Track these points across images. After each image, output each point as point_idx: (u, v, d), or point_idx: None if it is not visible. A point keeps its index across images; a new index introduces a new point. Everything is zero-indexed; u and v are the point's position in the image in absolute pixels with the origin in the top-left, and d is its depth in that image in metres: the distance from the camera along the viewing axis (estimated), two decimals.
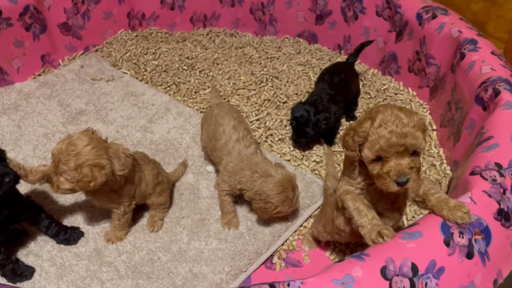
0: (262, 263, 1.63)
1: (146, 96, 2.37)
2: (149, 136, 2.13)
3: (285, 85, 2.45)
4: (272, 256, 1.65)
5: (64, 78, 2.51)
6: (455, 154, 1.83)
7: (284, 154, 2.03)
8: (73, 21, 2.65)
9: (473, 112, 1.75)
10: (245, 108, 2.28)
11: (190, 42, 2.83)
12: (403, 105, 2.26)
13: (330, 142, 2.08)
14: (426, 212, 1.24)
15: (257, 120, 2.20)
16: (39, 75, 2.56)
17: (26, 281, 1.53)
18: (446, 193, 1.74)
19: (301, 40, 2.85)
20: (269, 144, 2.08)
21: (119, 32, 2.85)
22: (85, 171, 1.36)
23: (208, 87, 2.44)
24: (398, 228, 1.27)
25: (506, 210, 1.22)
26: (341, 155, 2.02)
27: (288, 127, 2.18)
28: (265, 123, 2.20)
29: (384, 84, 2.43)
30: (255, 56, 2.70)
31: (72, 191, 1.45)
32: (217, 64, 2.63)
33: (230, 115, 1.74)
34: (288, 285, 1.00)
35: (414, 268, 1.05)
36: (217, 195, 1.83)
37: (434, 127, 2.13)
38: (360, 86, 2.34)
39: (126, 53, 2.68)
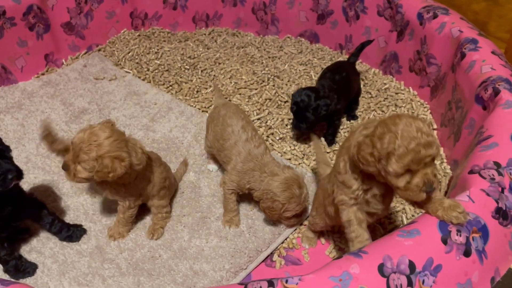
0: (262, 261, 1.64)
1: (149, 95, 2.39)
2: (151, 135, 2.14)
3: (286, 85, 2.46)
4: (272, 254, 1.66)
5: (67, 77, 2.53)
6: (455, 153, 1.83)
7: (285, 153, 2.04)
8: (76, 20, 2.67)
9: (473, 111, 1.75)
10: (247, 107, 2.29)
11: (192, 41, 2.85)
12: (403, 105, 2.27)
13: (330, 141, 2.09)
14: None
15: (258, 119, 2.21)
16: (43, 74, 2.58)
17: (29, 277, 1.55)
18: (446, 192, 1.75)
19: (303, 39, 2.86)
20: (270, 143, 2.09)
21: (122, 31, 2.87)
22: (106, 162, 1.38)
23: (210, 86, 2.45)
24: (396, 227, 1.28)
25: (504, 208, 1.23)
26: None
27: (289, 126, 2.19)
28: (266, 122, 2.21)
29: (385, 84, 2.43)
30: (256, 56, 2.71)
31: (88, 180, 1.45)
32: (219, 63, 2.65)
33: (237, 116, 1.75)
34: (287, 281, 1.02)
35: (412, 265, 1.06)
36: (218, 193, 1.85)
37: (435, 126, 2.14)
38: (361, 86, 2.34)
39: (128, 53, 2.70)
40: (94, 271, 1.56)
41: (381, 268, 1.04)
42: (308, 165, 1.99)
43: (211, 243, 1.66)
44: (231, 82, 2.48)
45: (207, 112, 2.29)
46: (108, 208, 1.78)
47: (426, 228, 1.14)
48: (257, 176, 1.63)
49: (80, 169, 1.42)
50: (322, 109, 1.93)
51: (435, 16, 2.18)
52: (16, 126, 2.18)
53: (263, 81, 2.49)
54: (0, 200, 1.43)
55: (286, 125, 2.20)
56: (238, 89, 2.44)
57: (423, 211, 1.21)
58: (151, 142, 2.10)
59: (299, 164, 2.00)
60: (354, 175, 1.21)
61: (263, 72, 2.55)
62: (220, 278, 1.55)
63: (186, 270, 1.57)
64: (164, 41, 2.85)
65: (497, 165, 1.33)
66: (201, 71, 2.58)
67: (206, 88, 2.45)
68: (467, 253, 1.12)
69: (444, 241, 1.11)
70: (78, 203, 1.81)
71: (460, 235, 1.13)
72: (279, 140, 2.12)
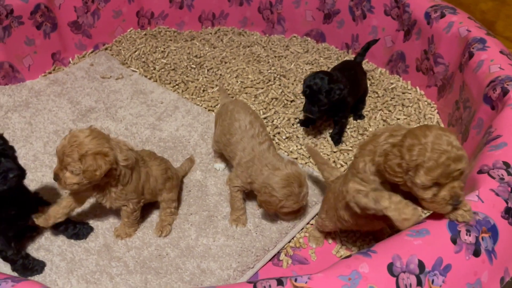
0: (269, 260, 1.64)
1: (155, 94, 2.40)
2: (157, 134, 2.15)
3: (292, 84, 2.45)
4: (279, 253, 1.66)
5: (74, 76, 2.54)
6: None
7: (291, 152, 2.04)
8: (83, 19, 2.68)
9: (481, 111, 1.75)
10: (253, 106, 2.29)
11: (199, 40, 2.85)
12: (410, 104, 2.27)
13: (337, 140, 2.09)
14: None
15: (265, 118, 2.21)
16: (50, 73, 2.59)
17: (37, 275, 1.55)
18: None
19: (309, 39, 2.85)
20: (276, 143, 2.09)
21: (128, 30, 2.88)
22: (89, 160, 1.38)
23: (216, 85, 2.46)
24: None
25: None
26: (348, 154, 2.02)
27: (295, 126, 2.19)
28: (273, 121, 2.21)
29: (391, 83, 2.42)
30: (263, 55, 2.71)
31: (79, 185, 1.45)
32: (225, 62, 2.65)
33: (246, 111, 1.75)
34: (296, 280, 1.02)
35: (421, 265, 1.06)
36: (225, 192, 1.85)
37: (442, 126, 2.13)
38: (368, 85, 2.34)
39: (135, 52, 2.71)
40: (101, 269, 1.57)
41: (390, 268, 1.04)
42: (314, 165, 1.99)
43: (218, 242, 1.66)
44: (237, 81, 2.48)
45: (213, 111, 2.29)
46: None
47: (435, 227, 1.14)
48: (257, 169, 1.61)
49: (68, 175, 1.42)
50: (335, 92, 1.91)
51: (442, 16, 2.17)
52: (24, 124, 2.19)
53: (269, 80, 2.49)
54: (4, 200, 1.43)
55: (293, 124, 2.20)
56: (244, 88, 2.44)
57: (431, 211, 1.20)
58: (157, 141, 2.11)
59: (306, 163, 2.00)
60: (375, 178, 1.20)
61: (269, 71, 2.55)
62: (227, 276, 1.55)
63: (193, 268, 1.57)
64: (170, 40, 2.85)
65: (506, 165, 1.32)
66: (207, 70, 2.58)
67: (212, 87, 2.45)
68: (476, 253, 1.11)
69: (454, 241, 1.11)
70: (86, 202, 1.81)
71: (470, 235, 1.12)
72: (286, 140, 2.12)
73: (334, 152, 2.04)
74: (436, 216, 1.18)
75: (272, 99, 2.35)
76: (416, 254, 1.07)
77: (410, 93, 2.34)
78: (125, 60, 2.66)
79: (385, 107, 2.28)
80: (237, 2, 2.93)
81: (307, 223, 1.76)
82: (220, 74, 2.55)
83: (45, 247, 1.65)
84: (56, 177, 1.45)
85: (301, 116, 2.24)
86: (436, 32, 2.18)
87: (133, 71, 2.58)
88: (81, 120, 2.22)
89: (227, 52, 2.73)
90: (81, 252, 1.63)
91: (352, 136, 2.14)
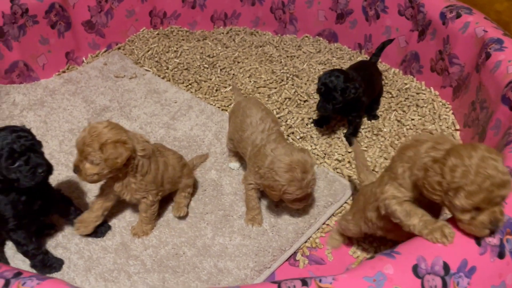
0: (286, 260, 1.64)
1: (169, 94, 2.40)
2: (172, 133, 2.15)
3: (305, 84, 2.45)
4: (295, 253, 1.66)
5: (88, 75, 2.55)
6: None
7: None
8: (97, 19, 2.69)
9: (499, 112, 1.73)
10: (266, 106, 2.28)
11: (211, 40, 2.85)
12: (425, 105, 2.25)
13: (351, 140, 2.08)
14: None
15: (279, 118, 2.21)
16: (63, 72, 2.61)
17: (55, 272, 1.56)
18: None
19: (321, 39, 2.85)
20: (290, 142, 2.09)
21: (141, 30, 2.89)
22: (109, 148, 1.41)
23: (229, 85, 2.46)
24: None
25: None
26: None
27: (309, 126, 2.19)
28: (286, 121, 2.21)
29: (405, 84, 2.41)
30: (275, 55, 2.71)
31: (99, 175, 1.47)
32: (238, 62, 2.65)
33: (257, 107, 1.76)
34: (320, 280, 1.02)
35: (446, 267, 1.06)
36: (240, 192, 1.85)
37: (458, 127, 2.12)
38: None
39: (148, 51, 2.72)
40: (119, 267, 1.58)
41: (415, 269, 1.04)
42: (330, 165, 1.99)
43: (235, 241, 1.66)
44: (250, 81, 2.48)
45: (226, 110, 2.30)
46: (132, 205, 1.79)
47: (459, 229, 1.13)
48: (262, 155, 1.60)
49: (87, 166, 1.45)
50: (351, 91, 1.91)
51: (458, 16, 2.16)
52: (39, 123, 2.20)
53: (282, 80, 2.48)
54: (30, 194, 1.45)
55: (307, 124, 2.20)
56: (257, 88, 2.44)
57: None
58: (172, 140, 2.11)
59: (321, 163, 1.99)
60: (413, 187, 1.17)
61: (282, 71, 2.55)
62: (244, 276, 1.55)
63: (210, 267, 1.58)
64: (183, 39, 2.85)
65: None
66: (220, 70, 2.58)
67: (225, 87, 2.46)
68: (501, 255, 1.11)
69: (478, 243, 1.10)
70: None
71: (494, 237, 1.11)
72: (300, 140, 2.11)
73: (349, 152, 2.04)
74: None
75: (286, 99, 2.35)
76: (441, 256, 1.07)
77: (425, 94, 2.33)
78: (138, 60, 2.67)
79: (399, 107, 2.27)
80: (249, 2, 2.93)
81: (323, 223, 1.76)
82: (233, 74, 2.55)
83: (62, 245, 1.65)
84: (77, 168, 1.47)
85: (315, 116, 2.24)
86: (452, 33, 2.17)
87: (146, 70, 2.59)
88: (95, 119, 2.23)
89: (239, 52, 2.73)
90: (99, 250, 1.63)
91: (366, 137, 2.13)
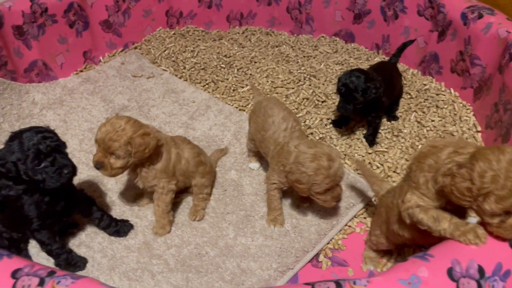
0: (309, 261, 1.63)
1: (186, 93, 2.40)
2: (191, 133, 2.15)
3: (323, 84, 2.44)
4: (318, 254, 1.65)
5: (106, 74, 2.56)
6: None
7: None
8: (114, 18, 2.70)
9: None
10: None
11: (227, 40, 2.85)
12: (445, 106, 2.24)
13: (371, 142, 2.07)
14: None
15: None
16: (81, 71, 2.62)
17: (80, 271, 1.57)
18: None
19: (338, 39, 2.84)
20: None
21: (158, 30, 2.89)
22: (138, 141, 1.46)
23: (246, 85, 2.45)
24: None
25: None
26: (383, 155, 2.00)
27: (328, 126, 2.18)
28: (305, 121, 2.20)
29: (424, 85, 2.40)
30: (291, 55, 2.70)
31: (123, 168, 1.51)
32: (255, 62, 2.64)
33: (279, 106, 1.75)
34: (355, 283, 1.01)
35: (481, 270, 1.04)
36: (260, 192, 1.85)
37: (479, 128, 2.10)
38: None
39: (164, 51, 2.72)
40: (143, 266, 1.58)
41: (450, 272, 1.03)
42: (350, 166, 1.98)
43: (257, 242, 1.66)
44: (267, 81, 2.48)
45: (244, 110, 2.29)
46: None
47: (490, 232, 1.12)
48: (287, 152, 1.59)
49: (113, 161, 1.47)
50: (372, 91, 1.89)
51: (480, 16, 2.14)
52: (59, 122, 2.22)
53: (300, 80, 2.48)
54: (54, 195, 1.46)
55: (326, 125, 2.19)
56: (275, 88, 2.43)
57: None
58: (191, 140, 2.09)
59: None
60: (437, 196, 1.16)
61: (299, 71, 2.54)
62: (268, 277, 1.55)
63: (234, 268, 1.57)
64: (199, 39, 2.86)
65: None
66: (237, 69, 2.58)
67: (243, 87, 2.45)
68: None
69: None
70: (124, 199, 1.83)
71: None
72: (319, 140, 2.11)
73: (369, 153, 2.03)
74: None
75: (303, 99, 2.34)
76: (475, 259, 1.06)
77: (444, 95, 2.31)
78: (155, 59, 2.67)
79: (419, 108, 2.25)
80: (266, 2, 2.92)
81: (345, 225, 1.75)
82: (250, 74, 2.54)
83: (86, 243, 1.66)
84: (100, 164, 1.48)
85: (333, 117, 2.23)
86: (473, 33, 2.15)
87: (163, 70, 2.59)
88: None
89: (256, 52, 2.73)
90: (122, 249, 1.64)
91: (386, 138, 2.12)
